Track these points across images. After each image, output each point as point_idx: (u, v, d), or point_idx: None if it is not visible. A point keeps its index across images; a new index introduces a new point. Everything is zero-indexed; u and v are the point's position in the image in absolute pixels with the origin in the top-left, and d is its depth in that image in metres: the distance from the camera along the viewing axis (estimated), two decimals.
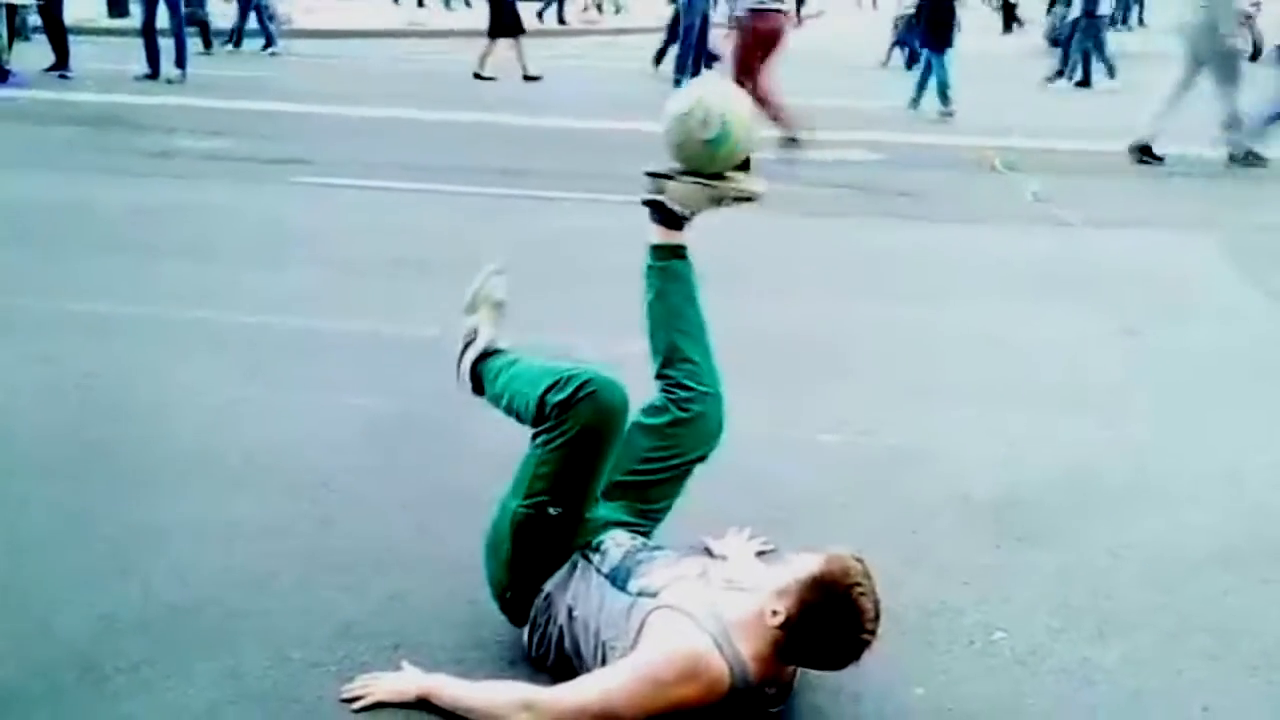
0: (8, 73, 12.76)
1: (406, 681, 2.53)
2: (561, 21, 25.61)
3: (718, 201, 2.86)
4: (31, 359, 4.55)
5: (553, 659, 2.61)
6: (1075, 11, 15.82)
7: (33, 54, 13.98)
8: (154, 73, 13.46)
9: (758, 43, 8.78)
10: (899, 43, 18.21)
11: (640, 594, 2.49)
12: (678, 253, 2.92)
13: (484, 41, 15.43)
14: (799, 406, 4.26)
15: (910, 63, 17.68)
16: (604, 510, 2.72)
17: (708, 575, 2.56)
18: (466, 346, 3.05)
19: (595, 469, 2.64)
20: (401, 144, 9.93)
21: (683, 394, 2.86)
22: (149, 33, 13.54)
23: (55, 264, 5.91)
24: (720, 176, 2.84)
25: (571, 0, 26.70)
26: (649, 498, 2.83)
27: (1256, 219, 7.64)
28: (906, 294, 5.77)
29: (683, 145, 2.81)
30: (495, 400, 2.92)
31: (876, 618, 2.33)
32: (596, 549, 2.63)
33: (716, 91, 2.86)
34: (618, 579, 2.55)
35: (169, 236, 6.51)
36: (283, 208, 7.53)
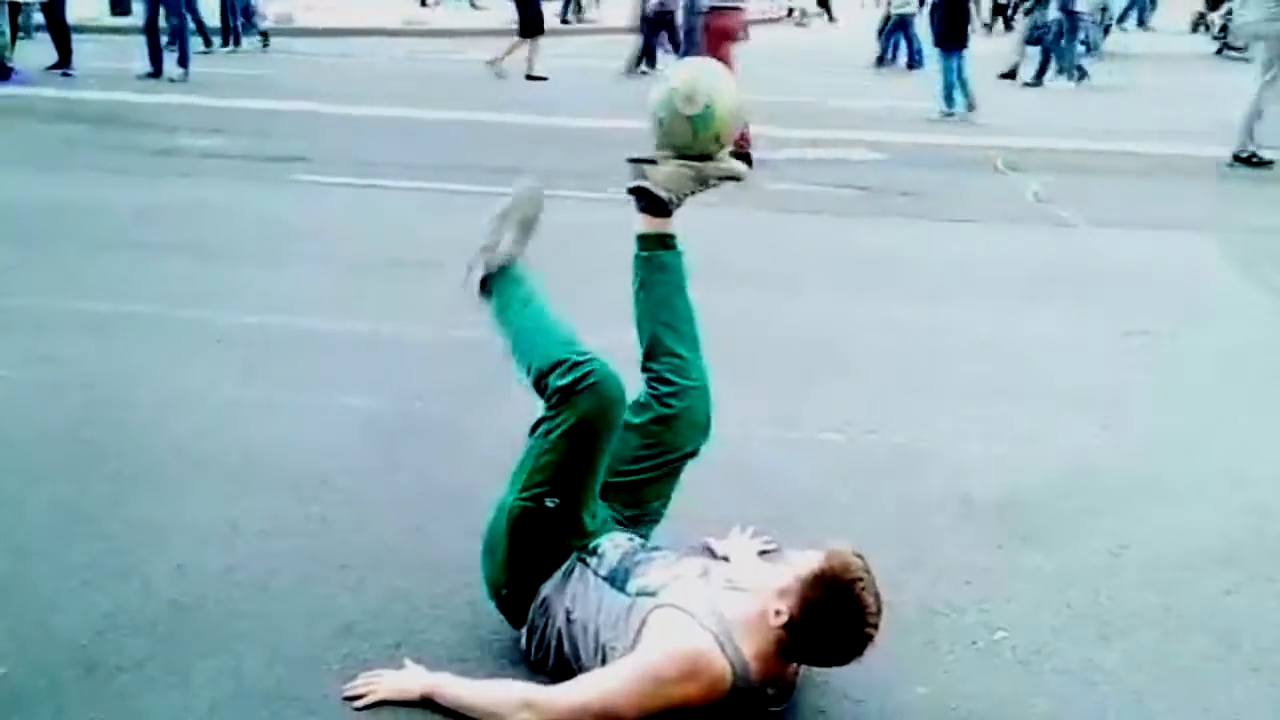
0: (10, 70, 12.77)
1: (409, 680, 2.53)
2: (564, 21, 25.63)
3: (702, 183, 2.83)
4: (31, 359, 4.55)
5: (551, 663, 2.60)
6: (1053, 11, 15.85)
7: (35, 52, 13.99)
8: (156, 71, 13.48)
9: (716, 38, 8.91)
10: (886, 43, 18.14)
11: (640, 594, 2.49)
12: (665, 242, 2.89)
13: (479, 42, 15.42)
14: (801, 406, 4.26)
15: (911, 63, 17.68)
16: (600, 510, 2.72)
17: (708, 575, 2.55)
18: (486, 250, 2.95)
19: (593, 461, 2.63)
20: (402, 143, 9.93)
21: (665, 389, 2.82)
22: (151, 31, 13.57)
23: (55, 263, 5.91)
24: (704, 157, 2.81)
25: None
26: (642, 497, 2.82)
27: (1259, 220, 7.64)
28: (908, 293, 5.77)
29: (666, 122, 2.79)
30: (499, 326, 2.88)
31: (879, 611, 2.33)
32: (593, 552, 2.62)
33: (704, 70, 2.86)
34: (616, 580, 2.55)
35: (170, 235, 6.51)
36: (283, 206, 7.54)
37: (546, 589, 2.61)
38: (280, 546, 3.15)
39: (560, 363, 2.60)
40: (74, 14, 14.31)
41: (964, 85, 12.67)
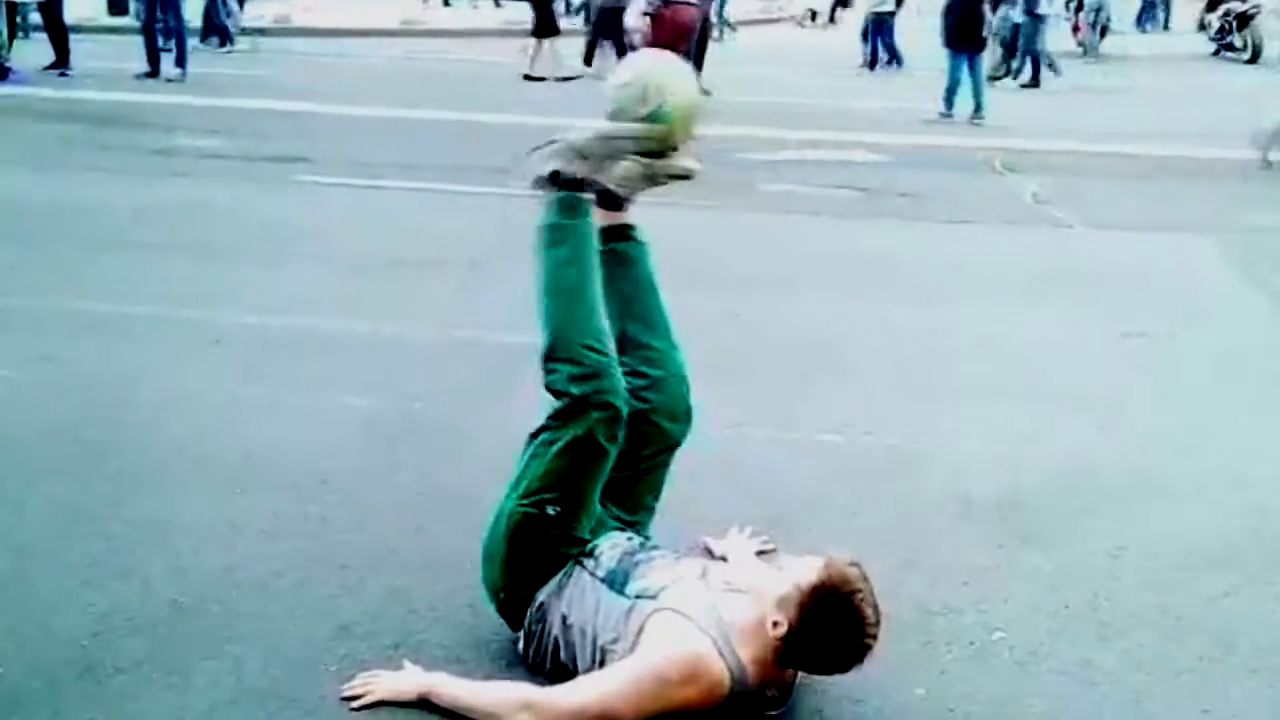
0: (8, 70, 12.76)
1: (407, 680, 2.53)
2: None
3: (653, 180, 2.76)
4: (31, 359, 4.55)
5: (549, 667, 2.60)
6: (1017, 15, 15.86)
7: (33, 52, 13.98)
8: (154, 71, 13.46)
9: (668, 32, 8.94)
10: (870, 43, 18.11)
11: (639, 596, 2.48)
12: (625, 234, 2.85)
13: (477, 42, 15.41)
14: (798, 406, 4.26)
15: (882, 62, 17.70)
16: (597, 512, 2.71)
17: (708, 577, 2.55)
18: (578, 152, 2.71)
19: (597, 472, 2.63)
20: (401, 143, 9.92)
21: (638, 382, 2.77)
22: (149, 31, 13.54)
23: (55, 263, 5.91)
24: (658, 154, 2.73)
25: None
26: (631, 493, 2.80)
27: (1256, 220, 7.65)
28: (906, 295, 5.77)
29: (620, 118, 2.73)
30: (540, 257, 2.72)
31: (877, 622, 2.33)
32: (590, 554, 2.62)
33: (660, 68, 2.77)
34: (615, 582, 2.54)
35: (169, 235, 6.51)
36: (283, 207, 7.53)
37: (543, 595, 2.61)
38: (280, 547, 3.15)
39: (580, 362, 2.59)
40: (71, 14, 14.29)
41: (977, 90, 12.58)
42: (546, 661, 2.60)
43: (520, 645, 2.66)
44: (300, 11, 21.90)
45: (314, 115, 11.38)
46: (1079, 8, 20.97)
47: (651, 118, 2.69)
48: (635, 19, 10.56)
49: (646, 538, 2.78)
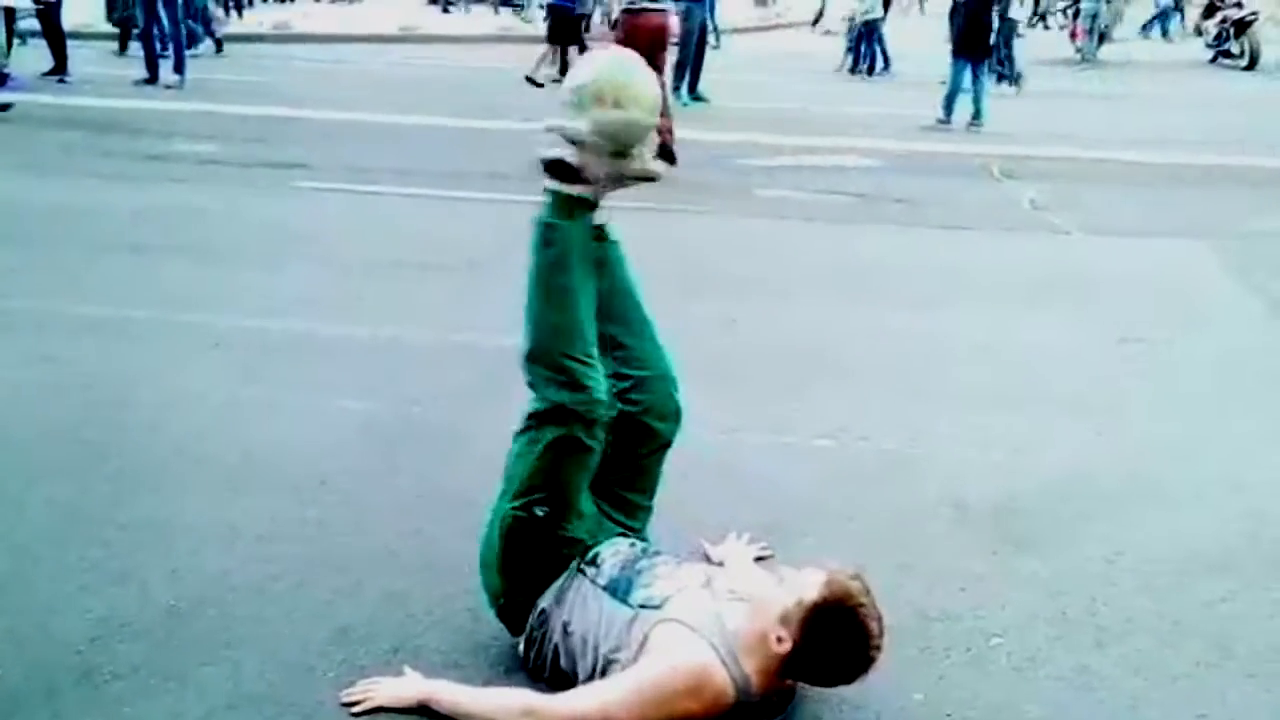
0: (6, 76, 12.73)
1: (407, 687, 2.53)
2: None
3: (618, 181, 2.67)
4: (31, 359, 4.55)
5: (549, 674, 2.59)
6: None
7: (31, 58, 13.98)
8: (152, 77, 13.46)
9: (634, 39, 8.93)
10: (859, 50, 18.12)
11: (643, 606, 2.48)
12: (596, 235, 2.73)
13: (474, 49, 15.39)
14: (794, 412, 4.26)
15: (871, 68, 17.70)
16: (588, 508, 2.70)
17: (712, 585, 2.54)
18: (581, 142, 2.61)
19: (578, 471, 2.63)
20: (399, 149, 9.92)
21: (623, 384, 2.74)
22: (147, 38, 13.55)
23: (55, 266, 5.91)
24: (620, 155, 2.63)
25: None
26: (626, 497, 2.80)
27: (1254, 226, 7.66)
28: (903, 301, 5.78)
29: (576, 119, 2.61)
30: (531, 255, 2.66)
31: (881, 634, 2.34)
32: (592, 561, 2.62)
33: (619, 69, 2.65)
34: (618, 591, 2.54)
35: (168, 240, 6.51)
36: (281, 212, 7.54)
37: (544, 601, 2.61)
38: (278, 550, 3.15)
39: (559, 370, 2.58)
40: (70, 20, 14.28)
41: (978, 97, 12.53)
42: (546, 668, 2.60)
43: (520, 650, 2.66)
44: (299, 18, 21.92)
45: (312, 121, 11.38)
46: (1076, 14, 21.01)
47: (609, 117, 2.58)
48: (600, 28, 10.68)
49: (647, 543, 2.78)
